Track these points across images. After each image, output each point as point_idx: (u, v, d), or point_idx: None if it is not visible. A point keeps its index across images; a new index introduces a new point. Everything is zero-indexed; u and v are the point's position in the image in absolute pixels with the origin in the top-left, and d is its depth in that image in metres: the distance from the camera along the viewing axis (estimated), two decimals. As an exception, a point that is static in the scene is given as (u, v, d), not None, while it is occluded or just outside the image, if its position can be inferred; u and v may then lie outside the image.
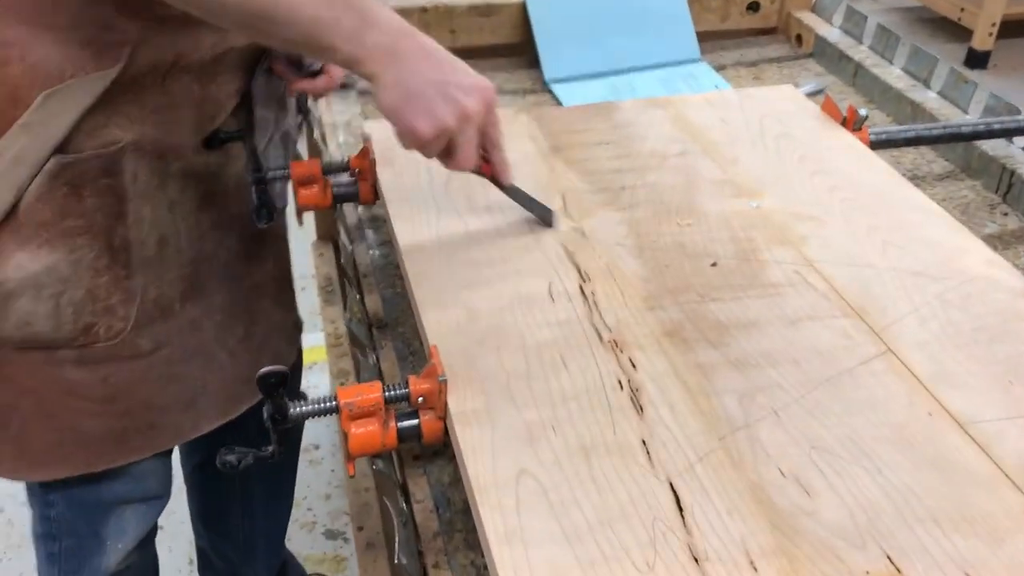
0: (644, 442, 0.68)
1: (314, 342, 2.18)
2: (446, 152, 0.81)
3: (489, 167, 0.88)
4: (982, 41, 3.76)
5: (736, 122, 1.13)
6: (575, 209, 0.96)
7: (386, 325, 0.95)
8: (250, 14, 0.74)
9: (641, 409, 0.71)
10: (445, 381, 0.71)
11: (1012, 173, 1.25)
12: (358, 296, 0.99)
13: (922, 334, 0.79)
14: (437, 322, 0.79)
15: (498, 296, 0.83)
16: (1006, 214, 1.24)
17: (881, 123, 1.48)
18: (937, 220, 0.95)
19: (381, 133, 1.08)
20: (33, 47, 0.77)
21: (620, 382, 0.74)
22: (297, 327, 1.18)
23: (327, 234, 1.83)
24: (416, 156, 1.04)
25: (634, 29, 1.65)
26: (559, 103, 1.50)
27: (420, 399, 0.72)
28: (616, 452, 0.67)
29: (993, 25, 3.71)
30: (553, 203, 0.97)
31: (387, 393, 0.72)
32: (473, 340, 0.78)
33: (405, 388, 0.72)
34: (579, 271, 0.87)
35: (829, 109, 1.16)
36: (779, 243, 0.91)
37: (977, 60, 3.78)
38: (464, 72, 0.79)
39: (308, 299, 1.96)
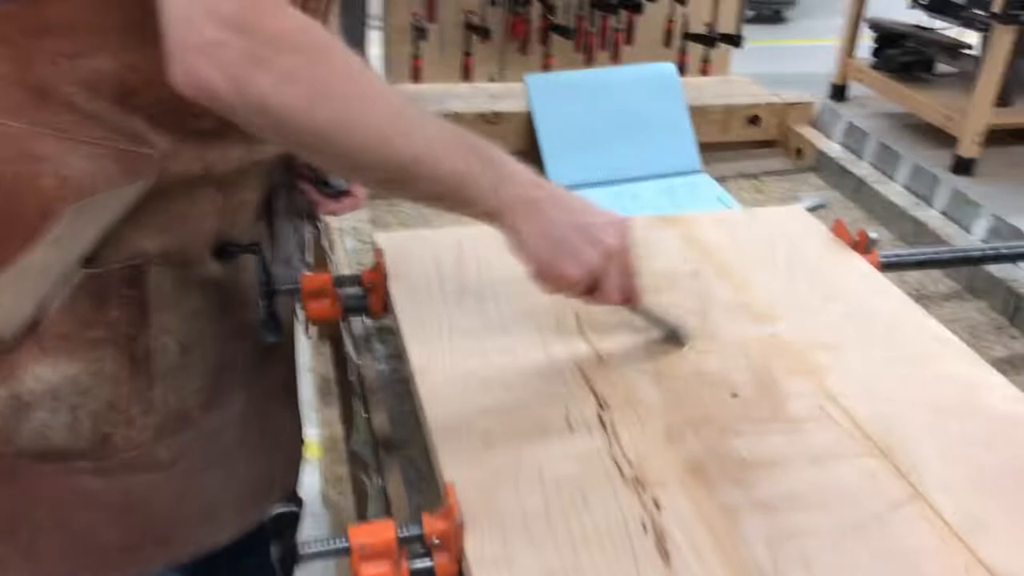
0: (671, 593, 0.65)
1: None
2: (588, 289, 0.83)
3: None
4: (968, 148, 3.84)
5: (746, 243, 1.12)
6: (590, 330, 0.94)
7: (394, 446, 0.93)
8: (394, 169, 0.74)
9: (667, 555, 0.68)
10: (462, 525, 0.68)
11: (1019, 296, 1.25)
12: (365, 414, 0.96)
13: (949, 477, 0.77)
14: (452, 453, 0.77)
15: (514, 423, 0.81)
16: (1014, 337, 1.24)
17: (884, 239, 1.49)
18: (955, 352, 0.94)
19: (392, 245, 1.07)
20: (66, 161, 0.76)
21: (644, 525, 0.71)
22: (302, 427, 1.17)
23: (326, 333, 1.81)
24: (428, 271, 1.03)
25: (637, 139, 1.67)
26: (564, 210, 1.51)
27: (434, 540, 0.69)
28: (643, 604, 0.64)
29: (979, 133, 3.80)
30: (567, 322, 0.95)
31: (401, 533, 0.69)
32: (489, 473, 0.75)
33: (419, 527, 0.69)
34: (596, 397, 0.85)
35: (839, 231, 1.16)
36: (798, 373, 0.90)
37: (963, 167, 3.86)
38: (597, 212, 0.82)
39: (303, 392, 1.93)
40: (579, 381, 0.87)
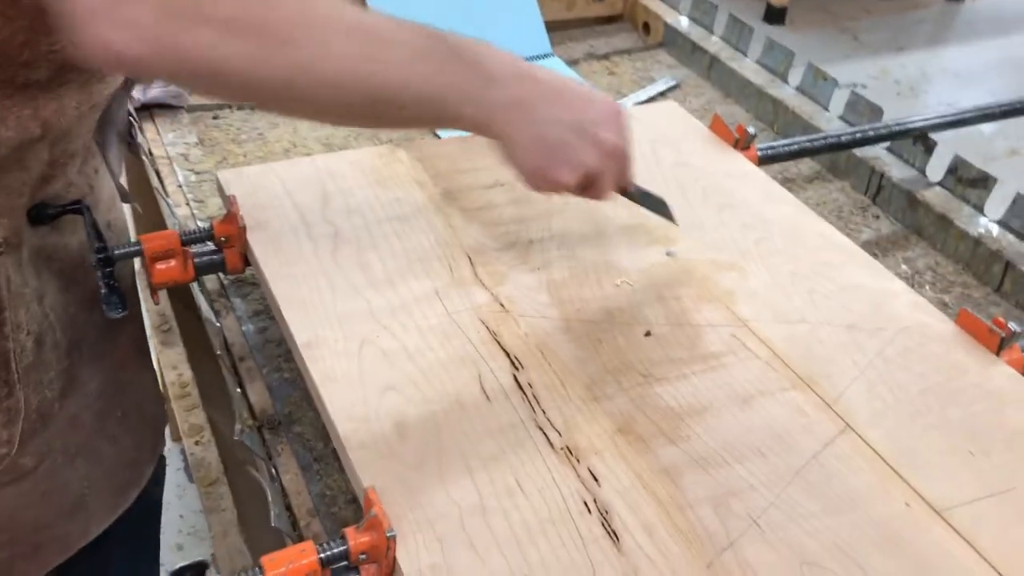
0: (630, 582, 0.61)
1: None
2: (583, 188, 0.77)
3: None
4: (778, -1, 3.89)
5: (630, 150, 1.05)
6: (487, 274, 0.86)
7: (279, 424, 0.82)
8: (368, 104, 0.64)
9: (617, 537, 0.64)
10: (395, 537, 0.60)
11: (881, 175, 1.26)
12: (239, 390, 0.85)
13: (875, 404, 0.76)
14: (364, 449, 0.68)
15: (426, 401, 0.72)
16: (878, 217, 1.25)
17: (743, 119, 1.46)
18: (855, 259, 0.92)
19: (242, 185, 0.93)
20: None
21: (586, 503, 0.66)
22: (159, 388, 1.04)
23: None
24: (290, 216, 0.91)
25: (481, 23, 1.53)
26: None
27: (361, 556, 0.61)
28: (603, 601, 0.59)
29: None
30: (460, 267, 0.86)
31: (323, 554, 0.60)
32: (409, 465, 0.67)
33: (343, 543, 0.61)
34: (509, 357, 0.77)
35: (718, 128, 1.11)
36: (707, 301, 0.85)
37: (775, 16, 3.91)
38: (594, 102, 0.75)
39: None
40: (486, 337, 0.79)
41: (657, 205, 0.90)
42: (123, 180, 1.30)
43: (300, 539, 0.71)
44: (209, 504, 1.20)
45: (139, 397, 0.96)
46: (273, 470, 0.77)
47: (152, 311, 1.50)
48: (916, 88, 3.54)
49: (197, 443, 1.31)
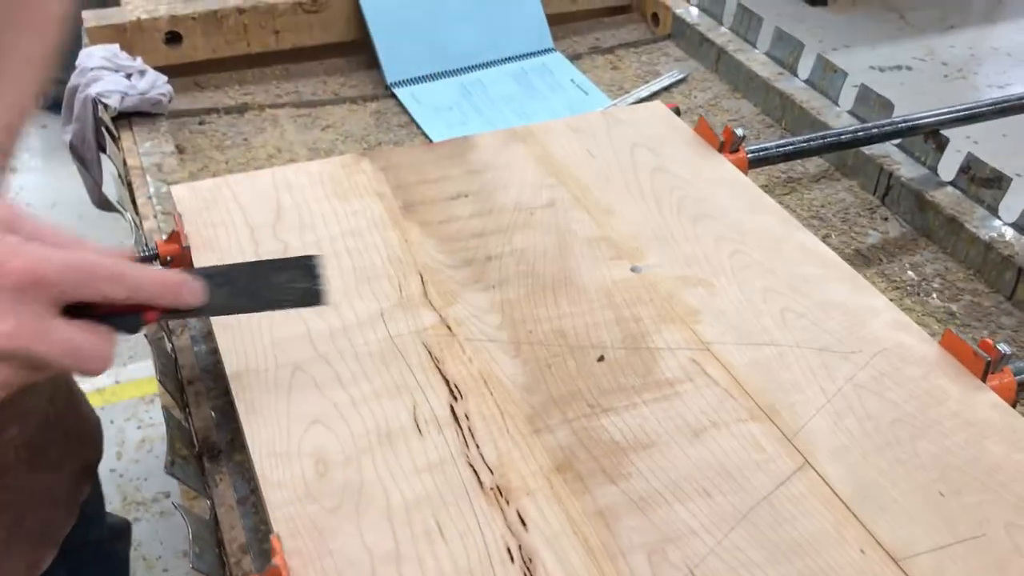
0: (545, 639, 0.57)
1: (149, 371, 1.98)
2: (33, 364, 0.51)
3: (150, 308, 0.57)
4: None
5: (605, 155, 1.00)
6: (438, 294, 0.82)
7: (219, 453, 0.80)
8: None
9: (537, 589, 0.59)
10: (294, 590, 0.57)
11: (890, 175, 1.19)
12: (184, 415, 0.82)
13: (839, 436, 0.70)
14: (278, 485, 0.64)
15: (352, 435, 0.69)
16: (886, 219, 1.18)
17: (749, 115, 1.39)
18: (835, 273, 0.86)
19: (194, 200, 0.90)
20: None
21: (510, 550, 0.62)
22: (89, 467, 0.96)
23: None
24: (240, 234, 0.88)
25: (480, 19, 1.49)
26: (405, 111, 1.35)
27: (265, 608, 0.58)
28: (513, 661, 0.55)
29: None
30: (410, 285, 0.83)
31: (221, 606, 0.58)
32: (325, 507, 0.64)
33: (244, 595, 0.58)
34: (448, 385, 0.73)
35: (703, 131, 1.05)
36: (668, 320, 0.80)
37: (818, -2, 3.79)
38: None
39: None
40: (427, 364, 0.75)
41: (290, 295, 0.67)
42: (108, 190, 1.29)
43: (228, 577, 0.69)
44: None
45: (71, 429, 0.90)
46: (209, 505, 0.75)
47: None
48: (965, 69, 3.39)
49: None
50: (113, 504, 1.76)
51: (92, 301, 0.51)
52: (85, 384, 1.98)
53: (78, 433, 0.95)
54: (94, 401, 1.95)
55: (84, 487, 0.96)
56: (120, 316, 0.54)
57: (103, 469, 1.80)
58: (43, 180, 2.50)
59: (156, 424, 1.88)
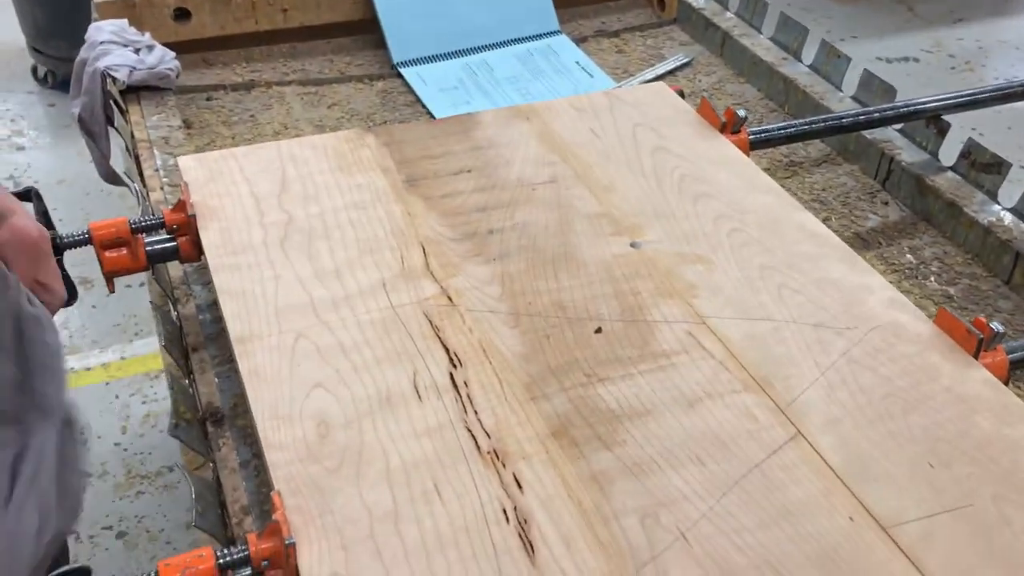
0: (538, 597, 0.58)
1: (154, 347, 2.00)
2: None
3: None
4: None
5: (608, 135, 1.01)
6: (439, 266, 0.83)
7: (223, 418, 0.81)
8: None
9: (532, 549, 0.61)
10: (293, 544, 0.58)
11: (891, 159, 1.19)
12: (187, 381, 0.83)
13: (832, 408, 0.71)
14: (281, 450, 0.66)
15: (354, 399, 0.70)
16: (886, 203, 1.19)
17: (753, 99, 1.40)
18: (834, 252, 0.87)
19: (200, 171, 0.92)
20: None
21: (505, 511, 0.63)
22: None
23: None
24: (245, 203, 0.89)
25: (486, 0, 1.50)
26: (410, 90, 1.36)
27: (264, 562, 0.60)
28: (507, 616, 0.57)
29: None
30: (412, 257, 0.84)
31: (222, 560, 0.59)
32: (326, 467, 0.65)
33: (244, 549, 0.59)
34: (448, 353, 0.74)
35: (705, 112, 1.06)
36: (667, 295, 0.81)
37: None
38: None
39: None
40: (427, 333, 0.76)
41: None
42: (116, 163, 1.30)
43: (231, 539, 0.70)
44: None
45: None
46: (212, 468, 0.76)
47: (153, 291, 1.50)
48: (972, 61, 3.39)
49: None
50: (117, 477, 1.77)
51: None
52: (92, 359, 2.01)
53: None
54: (99, 376, 1.98)
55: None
56: None
57: (108, 443, 1.83)
58: (50, 158, 2.53)
59: (160, 399, 1.90)
